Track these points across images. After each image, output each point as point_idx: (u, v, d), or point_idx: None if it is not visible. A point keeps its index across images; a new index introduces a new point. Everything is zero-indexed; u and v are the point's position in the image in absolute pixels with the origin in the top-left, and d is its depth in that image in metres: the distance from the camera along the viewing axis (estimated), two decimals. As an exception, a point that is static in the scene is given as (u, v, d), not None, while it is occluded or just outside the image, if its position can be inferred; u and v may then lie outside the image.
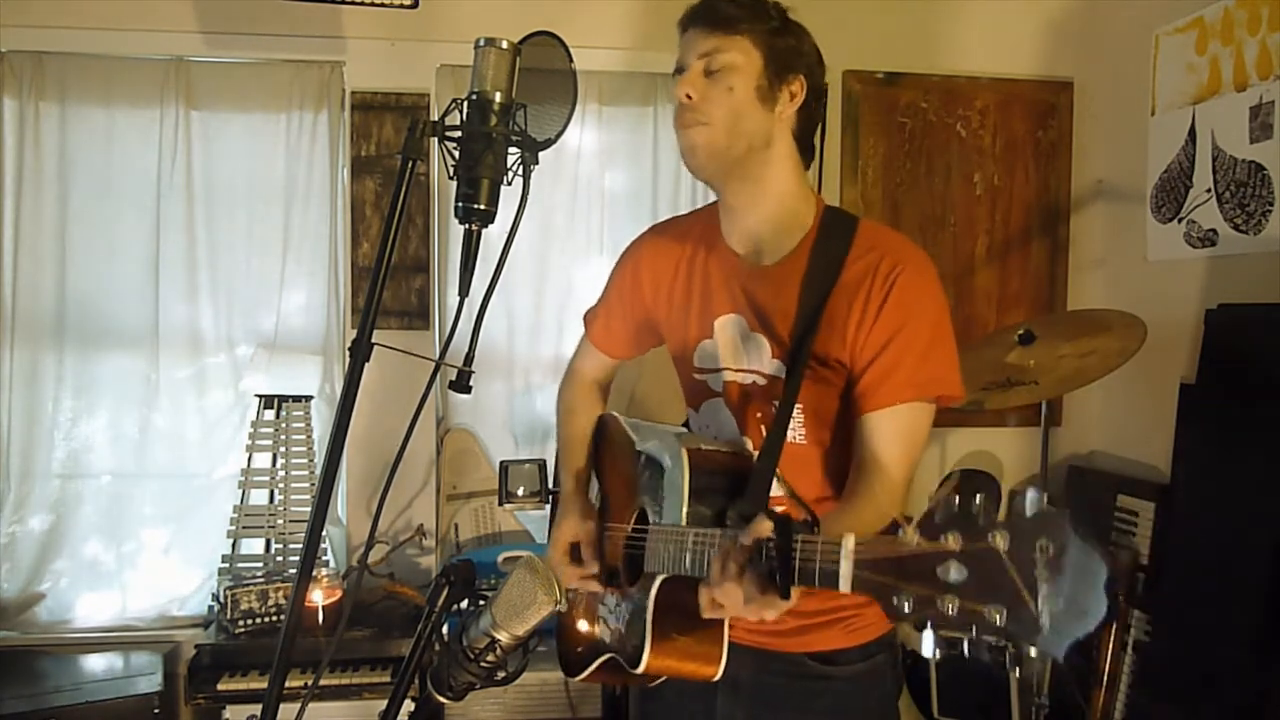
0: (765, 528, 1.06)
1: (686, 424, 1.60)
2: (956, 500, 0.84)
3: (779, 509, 1.36)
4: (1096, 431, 3.32)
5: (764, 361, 1.41)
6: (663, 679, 1.38)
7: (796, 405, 1.36)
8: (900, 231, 1.47)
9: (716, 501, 1.30)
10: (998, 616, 0.78)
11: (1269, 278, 2.56)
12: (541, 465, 2.87)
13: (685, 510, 1.30)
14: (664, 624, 1.31)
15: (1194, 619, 2.49)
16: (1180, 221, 2.90)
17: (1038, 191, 3.36)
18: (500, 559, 2.88)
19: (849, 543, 0.94)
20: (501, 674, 1.53)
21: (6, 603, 2.95)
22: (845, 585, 0.93)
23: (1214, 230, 2.77)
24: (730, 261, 1.46)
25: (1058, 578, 0.76)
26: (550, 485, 2.89)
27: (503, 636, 1.49)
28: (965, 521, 0.82)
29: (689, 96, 1.38)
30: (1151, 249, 3.04)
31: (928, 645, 0.82)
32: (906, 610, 0.84)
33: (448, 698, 1.54)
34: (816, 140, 1.48)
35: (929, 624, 0.82)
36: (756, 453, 1.37)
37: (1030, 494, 0.80)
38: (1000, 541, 0.79)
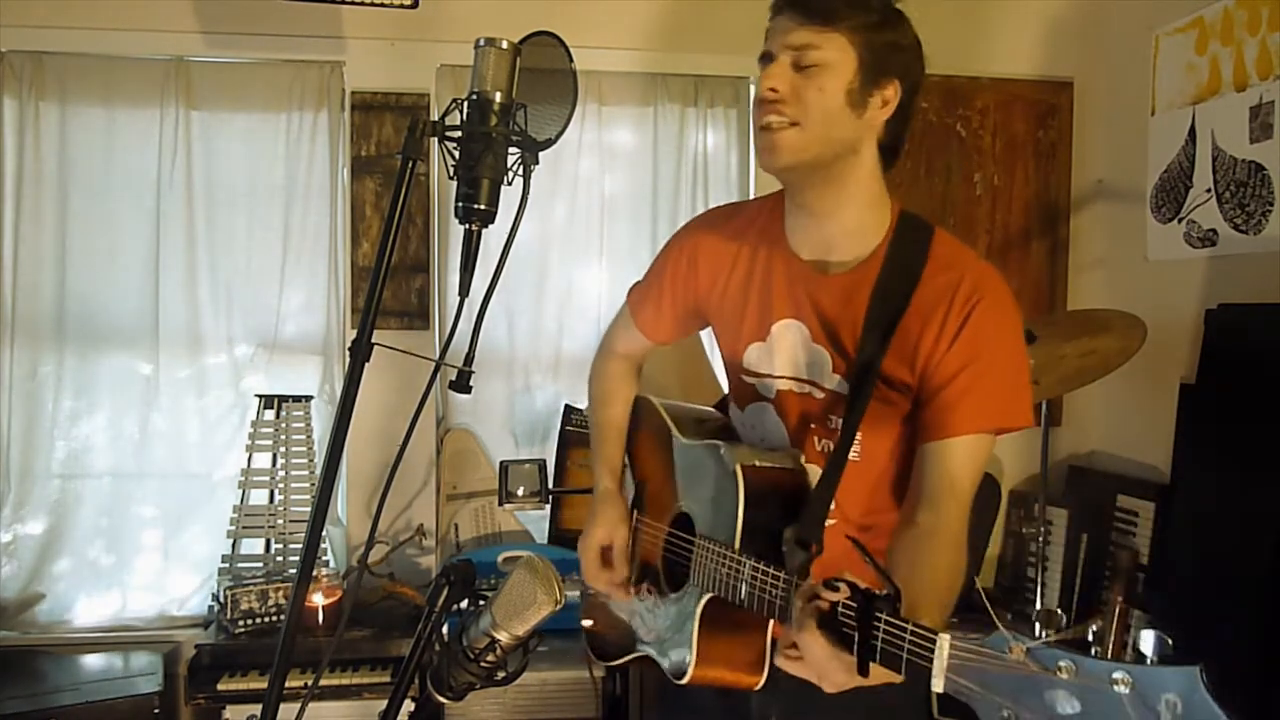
0: (841, 593, 1.02)
1: (720, 405, 1.58)
2: (1069, 626, 0.81)
3: (830, 523, 1.31)
4: (1096, 431, 3.31)
5: (825, 375, 1.36)
6: None
7: None
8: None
9: (771, 521, 1.26)
10: None
11: (1269, 278, 2.56)
12: (541, 465, 2.87)
13: (740, 533, 1.26)
14: (710, 640, 1.30)
15: (1194, 619, 2.49)
16: (1180, 221, 2.90)
17: (1038, 191, 3.36)
18: (500, 559, 2.88)
19: (944, 648, 0.91)
20: (501, 674, 1.53)
21: (6, 603, 2.95)
22: (939, 685, 0.91)
23: (1214, 230, 2.77)
24: (795, 266, 1.38)
25: None
26: (550, 485, 2.89)
27: (503, 636, 1.48)
28: (1081, 653, 0.79)
29: (774, 91, 1.27)
30: (1151, 249, 3.04)
31: None
32: None
33: (448, 698, 1.54)
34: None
35: None
36: (810, 467, 1.34)
37: (1148, 634, 0.77)
38: (1123, 688, 0.75)
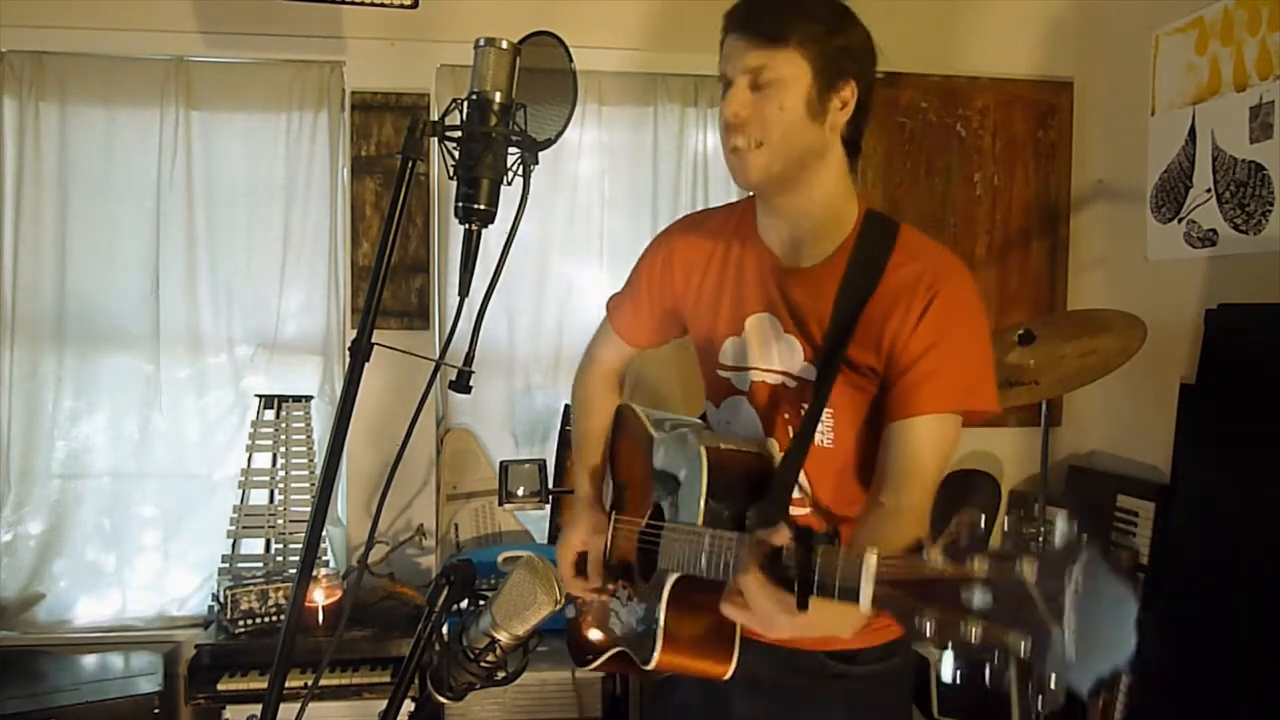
0: (784, 535, 1.05)
1: (704, 416, 1.60)
2: (982, 524, 0.83)
3: (801, 511, 1.36)
4: (1096, 431, 3.32)
5: (795, 363, 1.39)
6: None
7: (827, 409, 1.34)
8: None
9: (735, 502, 1.29)
10: (1022, 645, 0.78)
11: (1269, 278, 2.56)
12: (541, 465, 2.87)
13: (702, 510, 1.29)
14: (676, 622, 1.32)
15: (1194, 619, 2.49)
16: (1180, 221, 2.90)
17: (1037, 191, 3.36)
18: (500, 559, 2.88)
19: (871, 561, 0.93)
20: (501, 674, 1.54)
21: (6, 603, 2.95)
22: (866, 603, 0.93)
23: (1214, 230, 2.77)
24: (766, 260, 1.44)
25: (1086, 611, 0.76)
26: (550, 485, 2.89)
27: (503, 636, 1.49)
28: (991, 547, 0.82)
29: (737, 115, 1.32)
30: (1151, 249, 3.04)
31: (948, 667, 0.82)
32: (928, 632, 0.84)
33: (448, 698, 1.55)
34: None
35: (950, 647, 0.81)
36: (781, 455, 1.37)
37: (1060, 523, 0.79)
38: (1028, 570, 0.78)
